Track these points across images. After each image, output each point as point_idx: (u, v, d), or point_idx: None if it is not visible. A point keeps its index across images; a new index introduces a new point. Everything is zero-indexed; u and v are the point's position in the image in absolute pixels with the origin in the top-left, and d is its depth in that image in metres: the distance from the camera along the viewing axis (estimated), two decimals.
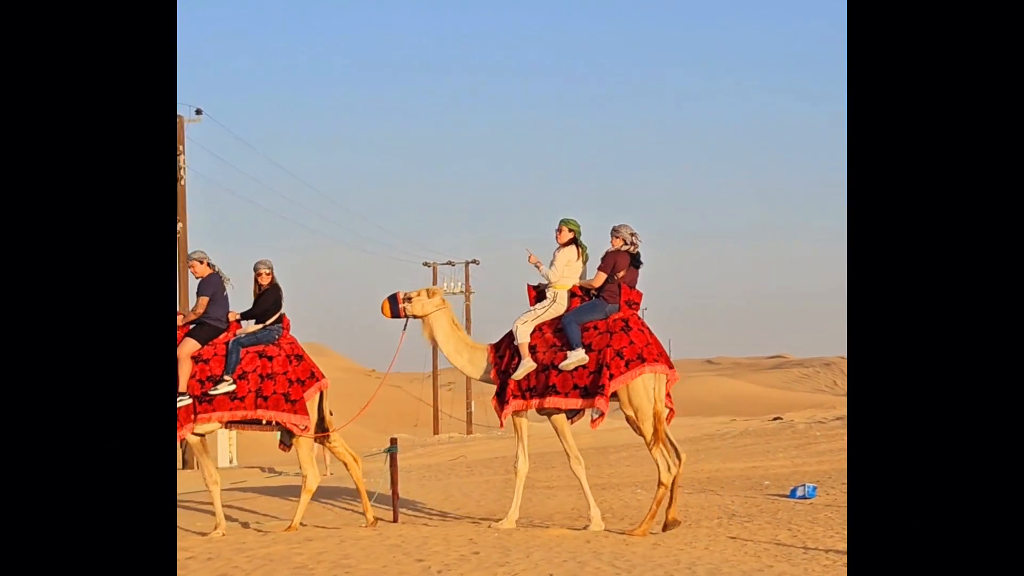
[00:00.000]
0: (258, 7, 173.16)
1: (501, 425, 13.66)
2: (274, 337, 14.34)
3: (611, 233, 13.72)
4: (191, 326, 14.31)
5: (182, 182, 38.14)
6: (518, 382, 13.60)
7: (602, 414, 13.52)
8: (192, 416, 14.01)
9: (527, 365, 13.55)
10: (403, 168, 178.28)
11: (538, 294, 13.87)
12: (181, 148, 38.33)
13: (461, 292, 69.15)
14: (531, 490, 17.36)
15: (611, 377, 13.21)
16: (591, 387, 13.31)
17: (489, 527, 13.54)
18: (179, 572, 10.92)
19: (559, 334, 13.59)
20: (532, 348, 13.62)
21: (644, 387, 13.32)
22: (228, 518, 15.06)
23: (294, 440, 14.13)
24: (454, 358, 14.12)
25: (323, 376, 14.46)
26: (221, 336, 14.32)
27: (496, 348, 13.96)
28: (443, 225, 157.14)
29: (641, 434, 13.39)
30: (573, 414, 13.78)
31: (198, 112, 38.72)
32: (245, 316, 14.44)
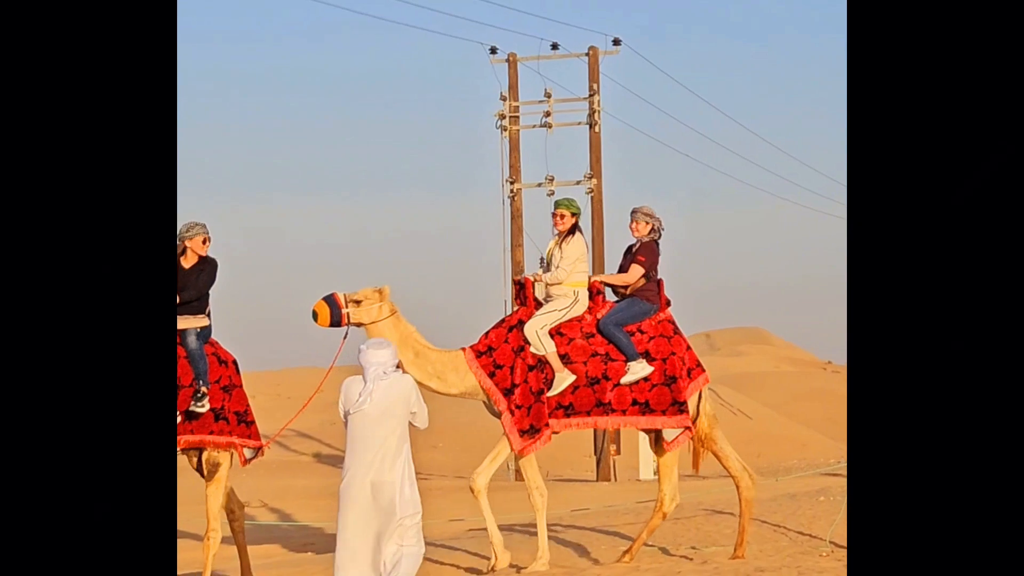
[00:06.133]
0: None
1: (522, 454, 12.74)
2: (210, 333, 12.37)
3: (636, 217, 13.16)
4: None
5: (596, 128, 35.38)
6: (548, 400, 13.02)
7: (687, 428, 12.88)
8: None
9: (566, 378, 12.82)
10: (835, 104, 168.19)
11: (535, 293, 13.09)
12: (595, 87, 35.52)
13: None
14: None
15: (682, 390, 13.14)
16: (661, 402, 12.85)
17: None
18: None
19: (595, 340, 12.99)
20: (563, 357, 12.87)
21: (694, 400, 13.19)
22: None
23: (212, 481, 12.20)
24: (416, 370, 12.68)
25: None
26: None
27: (480, 353, 12.96)
28: None
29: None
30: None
31: (615, 43, 35.95)
32: (184, 301, 12.06)
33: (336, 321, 12.75)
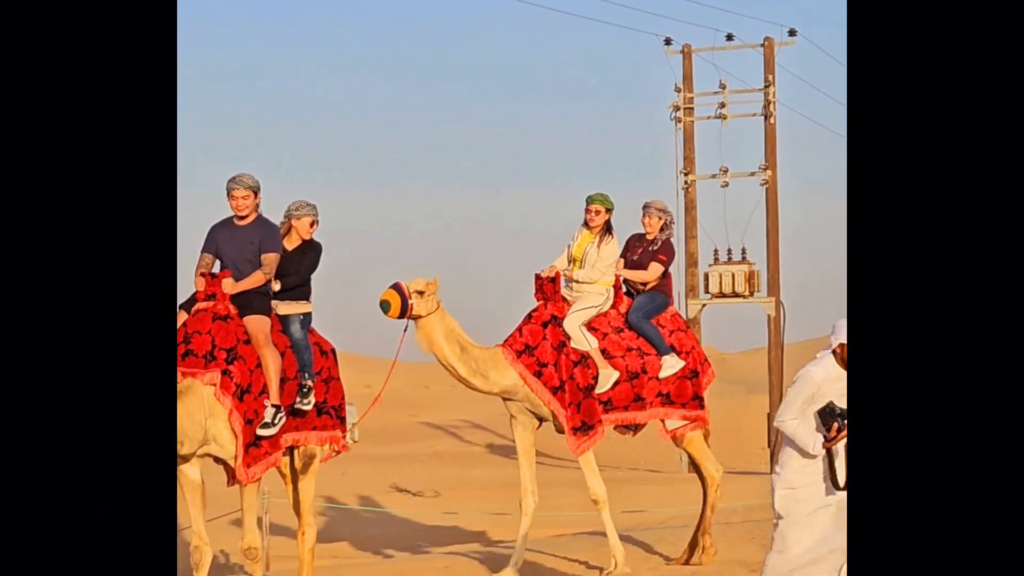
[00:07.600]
0: None
1: (579, 453, 12.37)
2: (311, 320, 11.52)
3: (649, 212, 12.90)
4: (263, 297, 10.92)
5: (771, 119, 34.53)
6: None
7: (700, 420, 12.89)
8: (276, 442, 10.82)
9: (612, 374, 12.50)
10: None
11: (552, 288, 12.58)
12: (771, 78, 34.67)
13: None
14: None
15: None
16: (682, 395, 12.75)
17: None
18: None
19: (625, 335, 12.70)
20: (603, 352, 12.52)
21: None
22: None
23: (307, 473, 11.48)
24: (462, 366, 12.38)
25: None
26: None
27: (520, 352, 12.46)
28: None
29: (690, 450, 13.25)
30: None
31: (791, 33, 34.95)
32: (287, 288, 11.22)
33: (403, 312, 12.20)
